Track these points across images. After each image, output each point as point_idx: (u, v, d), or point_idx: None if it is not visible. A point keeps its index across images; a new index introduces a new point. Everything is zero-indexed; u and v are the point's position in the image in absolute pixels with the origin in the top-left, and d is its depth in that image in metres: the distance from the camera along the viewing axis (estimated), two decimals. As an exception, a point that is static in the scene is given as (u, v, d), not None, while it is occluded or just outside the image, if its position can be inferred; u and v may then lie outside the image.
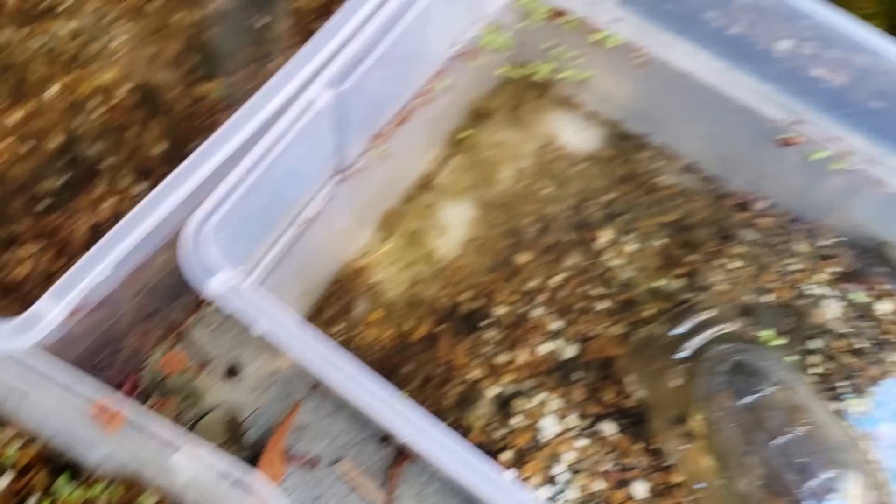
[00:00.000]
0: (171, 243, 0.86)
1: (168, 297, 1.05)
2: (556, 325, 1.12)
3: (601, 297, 1.15)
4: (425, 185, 1.21)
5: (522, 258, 1.17)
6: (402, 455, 1.08)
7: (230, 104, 1.15)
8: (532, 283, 1.15)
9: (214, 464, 0.81)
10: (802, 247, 1.20)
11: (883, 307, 1.17)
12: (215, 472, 0.81)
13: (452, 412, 1.06)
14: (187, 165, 0.85)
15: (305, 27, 1.21)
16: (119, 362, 1.06)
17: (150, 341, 1.11)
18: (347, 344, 1.10)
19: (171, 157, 1.13)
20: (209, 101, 1.17)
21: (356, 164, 1.05)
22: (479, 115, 1.26)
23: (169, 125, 1.16)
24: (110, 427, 0.81)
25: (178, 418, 1.09)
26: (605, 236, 1.19)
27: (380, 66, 0.96)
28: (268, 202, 0.92)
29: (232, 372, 1.13)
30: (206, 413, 1.10)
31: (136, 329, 1.03)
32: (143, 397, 1.09)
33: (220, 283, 0.82)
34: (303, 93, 0.89)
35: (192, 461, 0.82)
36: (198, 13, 1.24)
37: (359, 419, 1.10)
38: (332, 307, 1.12)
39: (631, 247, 1.19)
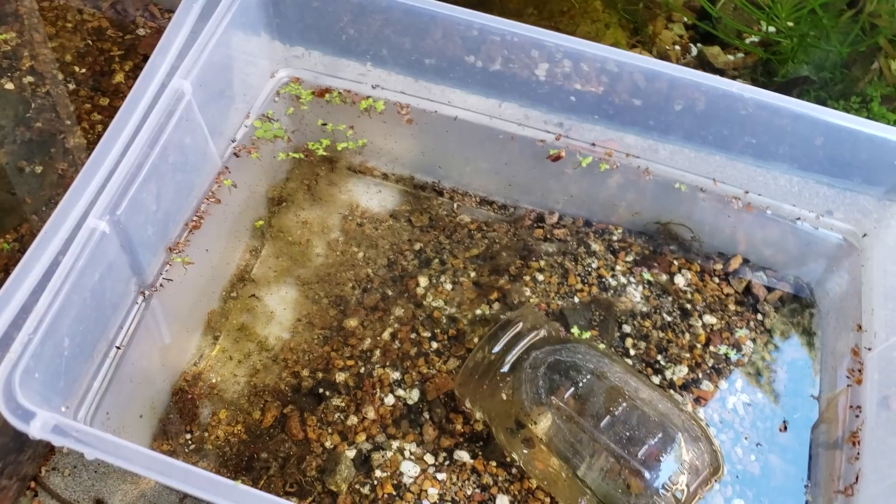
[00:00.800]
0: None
1: (9, 453, 1.06)
2: (395, 375, 1.19)
3: (431, 339, 1.22)
4: (243, 278, 1.26)
5: (351, 323, 1.23)
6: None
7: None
8: (365, 344, 1.21)
9: None
10: (597, 246, 1.31)
11: (680, 280, 1.28)
12: None
13: (317, 483, 1.10)
14: (-18, 322, 0.88)
15: (83, 163, 1.26)
16: (-22, 530, 1.06)
17: (7, 500, 1.11)
18: (201, 448, 1.13)
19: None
20: (3, 256, 1.20)
21: (159, 278, 1.10)
22: (278, 202, 1.32)
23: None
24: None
25: (52, 567, 1.09)
26: (422, 283, 1.27)
27: (152, 183, 1.01)
28: (76, 336, 0.96)
29: (98, 507, 1.14)
30: (82, 554, 1.11)
31: (-13, 492, 1.04)
32: (13, 557, 1.09)
33: (41, 424, 0.85)
34: (81, 226, 0.93)
35: None
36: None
37: (232, 517, 1.13)
38: (179, 418, 1.15)
39: (447, 286, 1.27)
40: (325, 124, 1.36)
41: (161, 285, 1.15)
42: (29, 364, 0.87)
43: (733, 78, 1.48)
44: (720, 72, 1.56)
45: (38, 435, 0.84)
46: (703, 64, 1.59)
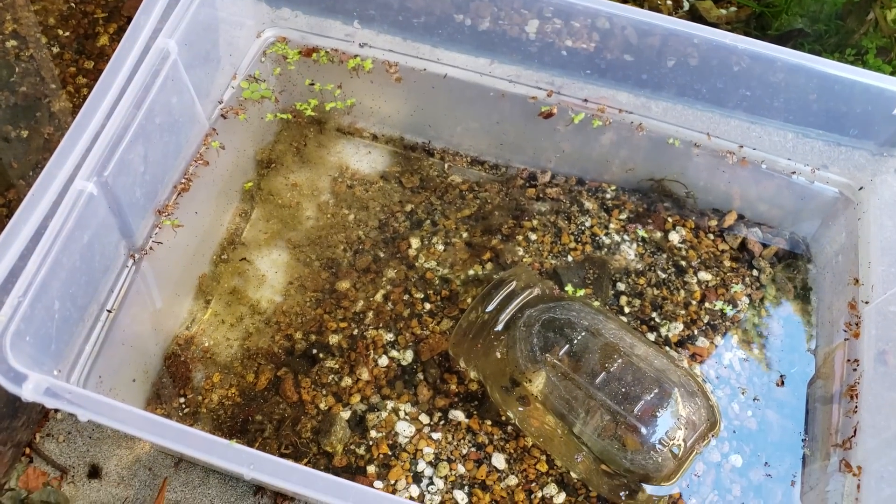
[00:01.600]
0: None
1: (3, 418, 1.06)
2: (388, 336, 1.18)
3: (424, 300, 1.21)
4: (233, 242, 1.25)
5: (343, 285, 1.22)
6: (279, 500, 1.11)
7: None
8: (358, 306, 1.20)
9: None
10: (590, 204, 1.30)
11: (675, 236, 1.28)
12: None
13: (313, 444, 1.10)
14: (-27, 286, 0.87)
15: (69, 128, 1.24)
16: (-27, 496, 1.05)
17: (2, 466, 1.10)
18: (195, 412, 1.12)
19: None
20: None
21: (149, 241, 1.08)
22: (267, 164, 1.31)
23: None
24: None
25: (49, 531, 1.09)
26: (414, 244, 1.26)
27: (139, 144, 1.00)
28: (66, 298, 0.95)
29: (94, 473, 1.13)
30: (79, 518, 1.11)
31: (-20, 458, 1.04)
32: (9, 522, 1.09)
33: (33, 386, 0.84)
34: (68, 189, 0.92)
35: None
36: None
37: (229, 480, 1.13)
38: (172, 382, 1.15)
39: (439, 247, 1.26)
40: (312, 84, 1.34)
41: (151, 248, 1.13)
42: (20, 327, 0.87)
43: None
44: (713, 26, 1.54)
45: (30, 397, 0.84)
46: (695, 18, 1.57)
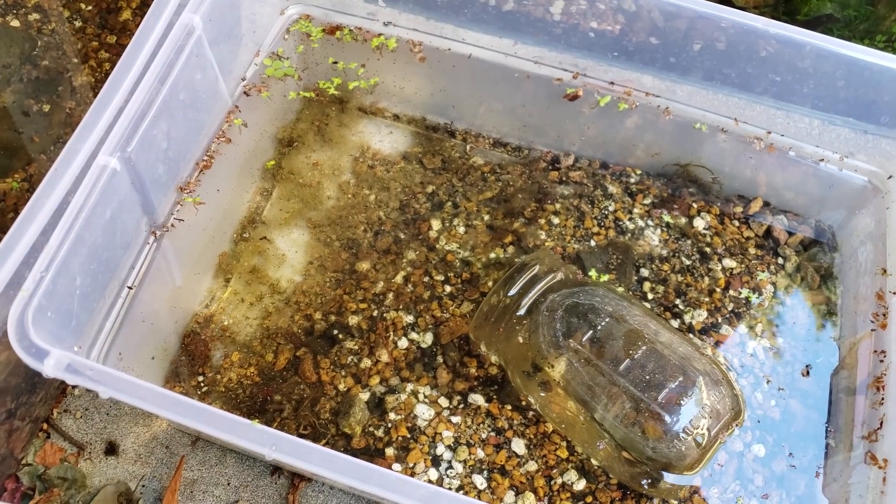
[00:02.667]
0: (6, 342, 0.87)
1: (21, 394, 1.05)
2: (408, 318, 1.17)
3: (444, 282, 1.20)
4: (254, 220, 1.24)
5: (363, 266, 1.21)
6: (296, 480, 1.11)
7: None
8: (378, 287, 1.19)
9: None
10: (614, 188, 1.29)
11: (700, 223, 1.26)
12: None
13: (331, 425, 1.10)
14: (-5, 260, 0.86)
15: (91, 101, 1.23)
16: (-8, 470, 1.05)
17: (20, 441, 1.10)
18: (213, 391, 1.12)
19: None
20: (12, 196, 1.18)
21: (170, 218, 1.08)
22: (288, 143, 1.30)
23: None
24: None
25: (67, 506, 1.09)
26: (435, 226, 1.25)
27: (163, 120, 0.99)
28: (88, 274, 0.94)
29: (111, 449, 1.13)
30: (96, 494, 1.11)
31: (-1, 432, 1.03)
32: (28, 496, 1.09)
33: (54, 362, 0.83)
34: (91, 164, 0.91)
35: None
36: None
37: (246, 459, 1.12)
38: (191, 360, 1.14)
39: (460, 229, 1.24)
40: (335, 63, 1.33)
41: (172, 226, 1.13)
42: (41, 302, 0.86)
43: (754, 17, 1.44)
44: (741, 10, 1.52)
45: (51, 373, 0.83)
46: (722, 2, 1.54)
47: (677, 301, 1.19)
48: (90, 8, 1.39)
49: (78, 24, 1.38)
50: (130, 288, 1.06)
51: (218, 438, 0.98)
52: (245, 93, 1.25)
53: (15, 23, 1.35)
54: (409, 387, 1.12)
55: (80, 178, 0.91)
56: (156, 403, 0.82)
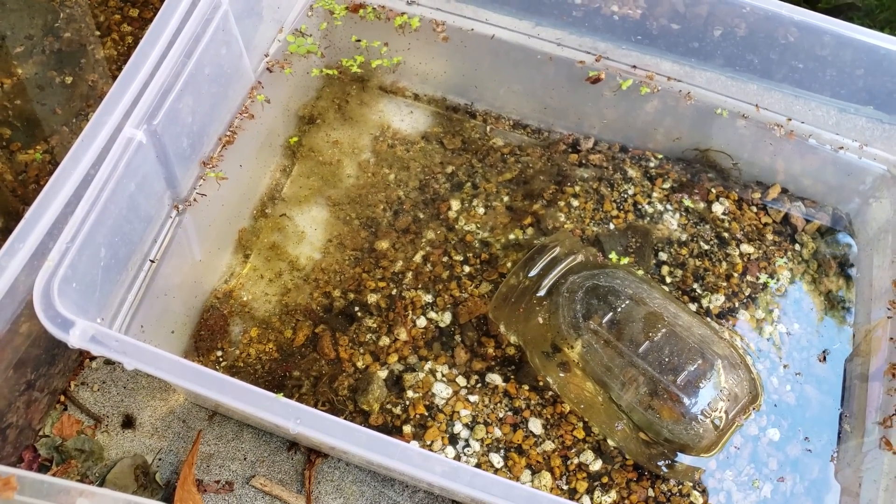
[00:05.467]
0: (30, 312, 0.87)
1: (41, 365, 1.06)
2: (427, 297, 1.18)
3: (463, 262, 1.21)
4: (273, 197, 1.24)
5: (383, 244, 1.21)
6: (312, 456, 1.12)
7: (56, 165, 1.17)
8: (397, 266, 1.20)
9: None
10: (633, 172, 1.29)
11: (718, 208, 1.26)
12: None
13: (349, 402, 1.10)
14: (20, 231, 0.86)
15: (114, 74, 1.24)
16: (10, 440, 1.06)
17: (38, 412, 1.11)
18: (233, 366, 1.12)
19: (11, 231, 1.13)
20: (34, 167, 1.18)
21: (193, 193, 1.08)
22: (309, 120, 1.30)
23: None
24: (4, 494, 0.83)
25: (84, 478, 1.09)
26: (454, 206, 1.25)
27: (188, 94, 0.99)
28: (112, 246, 0.94)
29: (128, 422, 1.14)
30: (113, 467, 1.11)
31: (18, 403, 1.04)
32: (45, 467, 1.10)
33: (80, 333, 0.84)
34: (117, 136, 0.91)
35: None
36: (7, 83, 1.25)
37: (262, 434, 1.13)
38: (210, 334, 1.15)
39: (479, 210, 1.25)
40: (359, 41, 1.33)
41: (195, 200, 1.13)
42: (67, 273, 0.86)
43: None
44: (761, -2, 1.52)
45: (77, 344, 0.83)
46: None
47: (695, 285, 1.20)
48: (113, -20, 1.39)
49: (100, -4, 1.38)
50: (152, 261, 1.07)
51: (238, 412, 0.98)
52: (268, 69, 1.25)
53: (37, -6, 1.35)
54: (428, 365, 1.13)
55: (105, 150, 0.91)
56: (183, 376, 0.83)
